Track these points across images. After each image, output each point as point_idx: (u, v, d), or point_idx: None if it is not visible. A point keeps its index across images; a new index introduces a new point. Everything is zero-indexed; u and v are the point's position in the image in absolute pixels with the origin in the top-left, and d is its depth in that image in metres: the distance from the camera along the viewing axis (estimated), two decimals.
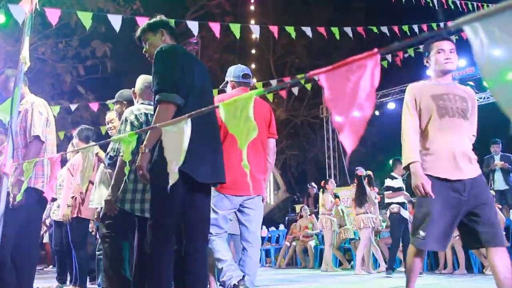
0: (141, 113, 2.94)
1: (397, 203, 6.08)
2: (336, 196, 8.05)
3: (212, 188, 2.65)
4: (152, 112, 2.47)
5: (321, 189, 7.82)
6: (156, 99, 2.15)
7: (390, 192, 6.21)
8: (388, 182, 6.34)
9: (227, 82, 3.28)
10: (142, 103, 3.05)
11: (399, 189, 6.17)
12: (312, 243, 8.85)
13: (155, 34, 2.44)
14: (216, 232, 2.95)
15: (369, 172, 7.42)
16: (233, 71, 3.24)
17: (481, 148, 8.32)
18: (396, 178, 6.26)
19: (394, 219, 6.14)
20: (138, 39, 2.54)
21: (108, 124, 3.85)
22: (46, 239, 9.32)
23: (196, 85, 2.24)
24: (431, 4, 8.78)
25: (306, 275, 6.74)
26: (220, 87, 3.16)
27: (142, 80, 3.13)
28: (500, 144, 7.99)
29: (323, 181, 7.87)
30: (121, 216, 2.91)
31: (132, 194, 2.86)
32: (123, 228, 3.11)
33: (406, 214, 6.11)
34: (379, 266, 7.16)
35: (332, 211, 7.45)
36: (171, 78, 2.15)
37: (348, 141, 0.95)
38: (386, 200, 6.28)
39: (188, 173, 2.06)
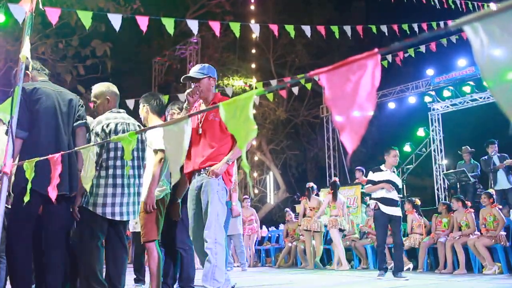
0: (108, 123, 3.02)
1: (376, 198, 5.72)
2: None
3: (220, 181, 2.93)
4: (122, 121, 3.08)
5: (308, 193, 8.18)
6: None
7: (370, 185, 5.85)
8: (370, 175, 5.96)
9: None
10: (110, 112, 3.13)
11: (382, 182, 5.69)
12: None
13: (28, 76, 3.03)
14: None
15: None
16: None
17: (480, 148, 8.36)
18: (381, 171, 5.81)
19: (374, 216, 5.86)
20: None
21: None
22: None
23: (42, 111, 2.79)
24: (432, 3, 8.77)
25: (306, 275, 6.74)
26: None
27: (105, 87, 3.26)
28: (497, 144, 8.01)
29: (310, 183, 8.27)
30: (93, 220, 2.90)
31: (103, 198, 2.87)
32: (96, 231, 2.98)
33: (389, 210, 5.64)
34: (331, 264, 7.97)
35: (320, 215, 7.85)
36: (19, 115, 2.66)
37: (349, 141, 0.95)
38: (373, 195, 5.86)
39: (36, 190, 2.48)
